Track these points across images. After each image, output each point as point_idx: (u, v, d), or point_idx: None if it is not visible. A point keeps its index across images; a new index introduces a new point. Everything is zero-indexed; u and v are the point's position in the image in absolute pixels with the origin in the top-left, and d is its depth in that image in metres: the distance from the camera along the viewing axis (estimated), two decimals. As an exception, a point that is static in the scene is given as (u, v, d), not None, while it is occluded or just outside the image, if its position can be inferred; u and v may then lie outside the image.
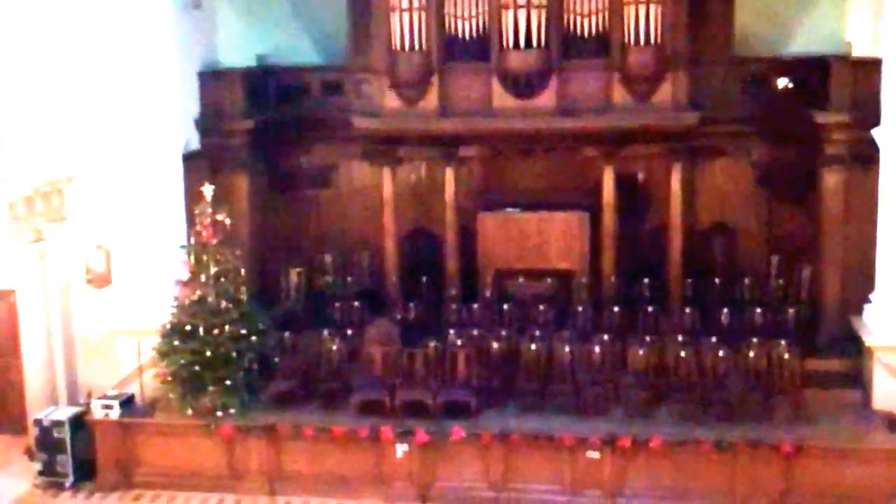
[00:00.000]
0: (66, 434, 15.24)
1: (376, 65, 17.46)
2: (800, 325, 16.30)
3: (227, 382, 15.10)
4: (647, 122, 16.71)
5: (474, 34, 16.83)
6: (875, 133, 15.19)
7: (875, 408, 14.81)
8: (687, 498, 13.97)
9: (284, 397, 15.57)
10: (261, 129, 18.03)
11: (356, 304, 17.64)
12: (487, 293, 17.53)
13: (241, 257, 15.91)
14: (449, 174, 17.71)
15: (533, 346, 15.46)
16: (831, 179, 16.31)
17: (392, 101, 17.27)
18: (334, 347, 15.91)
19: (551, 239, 17.57)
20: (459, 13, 16.77)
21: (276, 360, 16.03)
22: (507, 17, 16.45)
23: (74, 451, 15.29)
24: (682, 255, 17.28)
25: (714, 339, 15.26)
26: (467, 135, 17.49)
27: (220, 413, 15.05)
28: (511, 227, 17.74)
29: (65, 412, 15.65)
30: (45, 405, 16.13)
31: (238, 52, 18.76)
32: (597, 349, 15.38)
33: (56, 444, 15.26)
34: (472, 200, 18.36)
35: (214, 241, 15.28)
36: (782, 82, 17.30)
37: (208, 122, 17.75)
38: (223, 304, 15.19)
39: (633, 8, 16.18)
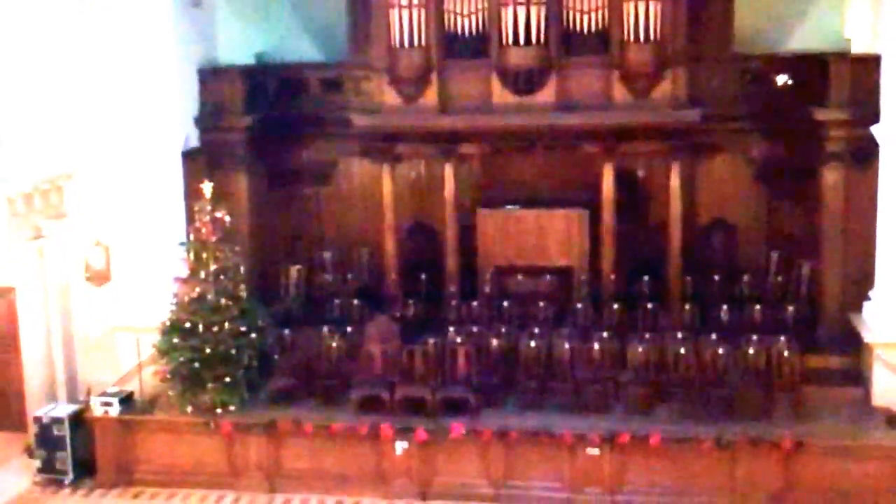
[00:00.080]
0: (65, 431, 15.26)
1: (376, 62, 17.45)
2: (799, 321, 16.28)
3: (227, 380, 15.12)
4: (647, 119, 16.69)
5: (474, 31, 16.82)
6: (874, 130, 15.19)
7: (874, 404, 14.81)
8: (687, 495, 13.98)
9: (284, 394, 15.57)
10: (260, 126, 18.03)
11: (356, 301, 17.63)
12: (487, 290, 17.51)
13: (240, 254, 15.93)
14: (448, 171, 17.68)
15: (532, 343, 15.47)
16: (831, 176, 16.29)
17: (391, 97, 17.27)
18: (334, 344, 15.91)
19: (551, 236, 17.56)
20: (459, 10, 16.76)
21: (276, 357, 16.04)
22: (507, 14, 16.43)
23: (74, 448, 15.31)
24: (682, 252, 17.24)
25: (714, 336, 15.24)
26: (467, 132, 17.46)
27: (219, 410, 15.06)
28: (511, 225, 17.73)
29: (64, 409, 15.65)
30: (45, 402, 16.15)
31: (237, 50, 18.77)
32: (596, 346, 15.37)
33: (55, 442, 15.28)
34: (471, 197, 18.34)
35: (214, 239, 15.29)
36: (782, 79, 17.27)
37: (208, 120, 17.76)
38: (223, 301, 15.21)
39: (632, 5, 16.15)
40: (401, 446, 14.43)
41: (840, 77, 15.97)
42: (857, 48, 16.41)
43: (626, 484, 14.12)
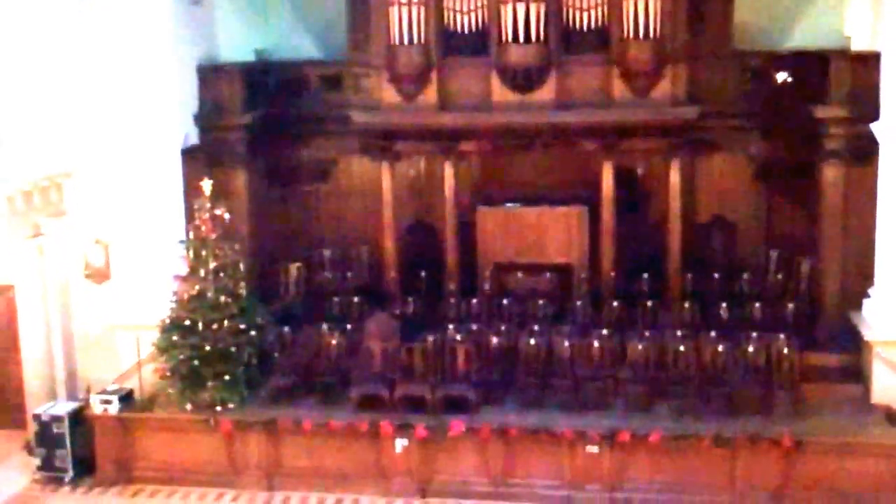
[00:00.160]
0: (65, 429, 15.25)
1: (375, 59, 17.45)
2: (799, 319, 16.27)
3: (227, 377, 15.12)
4: (647, 117, 16.68)
5: (473, 28, 16.83)
6: (874, 127, 15.18)
7: (874, 402, 14.82)
8: (686, 492, 13.98)
9: (283, 392, 15.56)
10: (260, 124, 18.02)
11: (355, 298, 17.62)
12: (486, 288, 17.52)
13: (240, 252, 15.91)
14: (448, 169, 17.67)
15: (532, 341, 15.46)
16: (830, 174, 16.27)
17: (391, 95, 17.26)
18: (333, 342, 15.92)
19: (550, 233, 17.57)
20: (458, 7, 16.77)
21: (276, 354, 16.03)
22: (506, 12, 16.43)
23: (73, 446, 15.31)
24: (681, 250, 17.24)
25: (713, 334, 15.23)
26: (466, 129, 17.45)
27: (219, 408, 15.06)
28: (510, 222, 17.74)
29: (64, 407, 15.65)
30: (44, 400, 16.15)
31: (237, 47, 18.77)
32: (596, 344, 15.36)
33: (55, 439, 15.27)
34: (471, 195, 18.36)
35: (213, 236, 15.29)
36: (781, 77, 17.27)
37: (207, 117, 17.74)
38: (222, 298, 15.20)
39: (632, 2, 16.15)
40: (400, 444, 14.43)
41: (840, 74, 15.94)
42: (857, 46, 16.43)
43: (626, 481, 14.11)
